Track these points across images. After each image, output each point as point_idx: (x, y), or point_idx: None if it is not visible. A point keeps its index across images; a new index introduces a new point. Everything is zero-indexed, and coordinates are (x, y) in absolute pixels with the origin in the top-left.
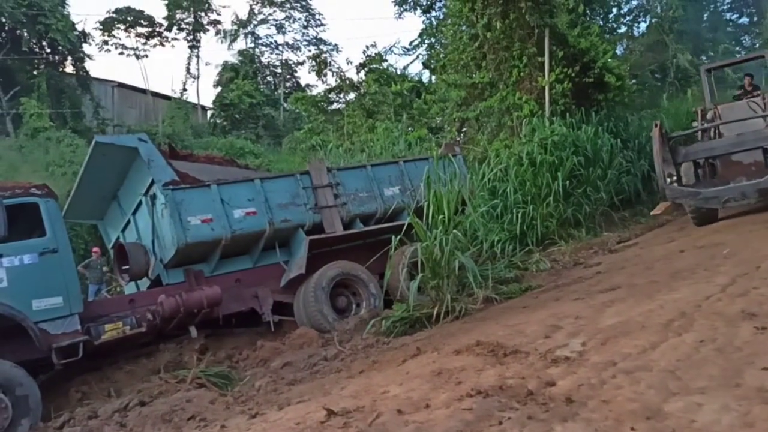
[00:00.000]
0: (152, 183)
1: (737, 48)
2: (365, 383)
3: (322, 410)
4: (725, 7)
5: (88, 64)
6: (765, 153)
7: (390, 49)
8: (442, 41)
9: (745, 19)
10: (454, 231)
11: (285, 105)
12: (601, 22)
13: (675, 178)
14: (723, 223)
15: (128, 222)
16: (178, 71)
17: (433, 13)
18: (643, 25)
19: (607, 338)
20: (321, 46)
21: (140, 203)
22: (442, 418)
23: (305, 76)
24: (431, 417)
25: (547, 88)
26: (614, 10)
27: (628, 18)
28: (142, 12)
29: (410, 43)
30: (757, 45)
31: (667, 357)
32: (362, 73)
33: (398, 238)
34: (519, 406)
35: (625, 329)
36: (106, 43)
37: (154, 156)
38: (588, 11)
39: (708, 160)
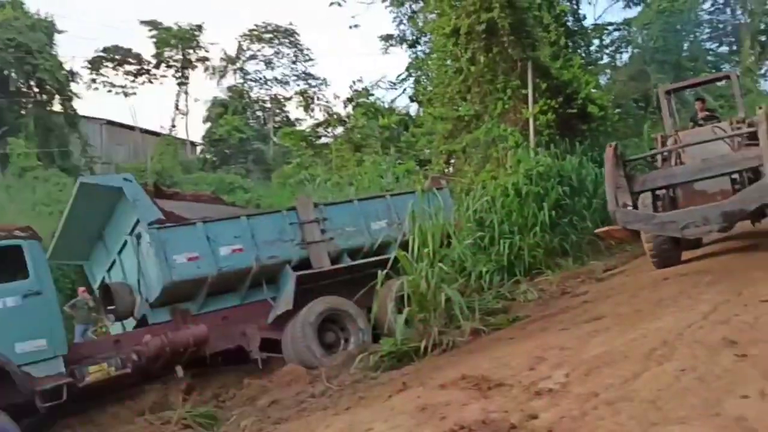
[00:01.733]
0: (137, 222)
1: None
2: (350, 420)
3: None
4: (705, 37)
5: (76, 103)
6: (733, 181)
7: (377, 83)
8: (428, 75)
9: (724, 48)
10: (440, 264)
11: (274, 139)
12: (583, 54)
13: (630, 208)
14: (705, 249)
15: (114, 262)
16: (166, 108)
17: (419, 48)
18: (625, 56)
19: (591, 369)
20: (309, 81)
21: (126, 243)
22: None
23: (294, 110)
24: None
25: (531, 120)
26: (596, 41)
27: (610, 48)
28: (130, 50)
29: (397, 77)
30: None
31: (648, 387)
32: (350, 108)
33: (385, 272)
34: None
35: (609, 359)
36: (94, 81)
37: (139, 195)
38: (570, 43)
39: (669, 190)
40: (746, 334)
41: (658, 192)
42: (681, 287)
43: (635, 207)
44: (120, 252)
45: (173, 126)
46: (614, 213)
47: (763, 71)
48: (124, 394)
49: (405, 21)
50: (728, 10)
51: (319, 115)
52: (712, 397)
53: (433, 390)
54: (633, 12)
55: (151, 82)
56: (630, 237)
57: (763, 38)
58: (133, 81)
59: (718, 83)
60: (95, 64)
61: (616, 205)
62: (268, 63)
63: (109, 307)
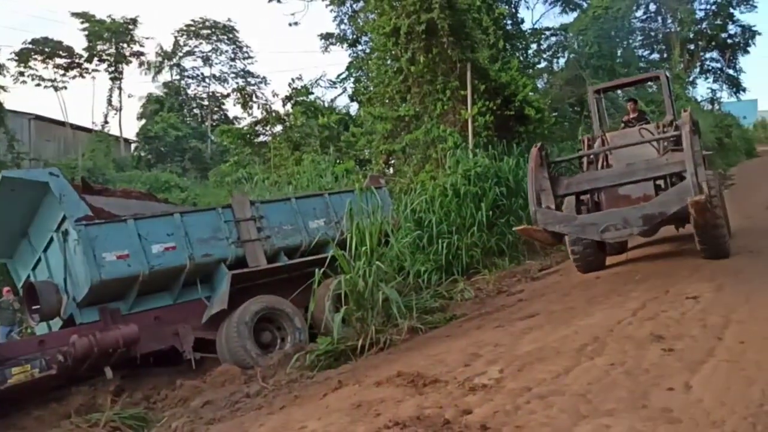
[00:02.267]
0: (64, 219)
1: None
2: (284, 419)
3: None
4: (637, 44)
5: (2, 96)
6: (657, 186)
7: (316, 81)
8: (369, 74)
9: (656, 55)
10: (377, 262)
11: (212, 137)
12: (521, 57)
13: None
14: (635, 252)
15: (39, 260)
16: (99, 103)
17: (359, 47)
18: (561, 60)
19: (524, 365)
20: (249, 79)
21: (52, 240)
22: None
23: (233, 108)
24: None
25: (470, 121)
26: (534, 45)
27: (547, 53)
28: (60, 43)
29: (337, 76)
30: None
31: (579, 381)
32: (289, 106)
33: (323, 270)
34: None
35: (541, 355)
36: (22, 74)
37: (66, 191)
38: (508, 46)
39: (593, 194)
40: (672, 329)
41: (583, 196)
42: (612, 285)
43: (559, 210)
44: (46, 249)
45: (106, 122)
46: (535, 213)
47: (691, 78)
48: (49, 396)
49: (346, 20)
50: (659, 19)
51: (258, 113)
52: (639, 389)
53: (368, 388)
54: (569, 18)
55: (83, 77)
56: (550, 239)
57: (691, 47)
58: (64, 75)
59: (650, 89)
60: (23, 57)
61: (538, 205)
62: (206, 60)
63: (34, 307)
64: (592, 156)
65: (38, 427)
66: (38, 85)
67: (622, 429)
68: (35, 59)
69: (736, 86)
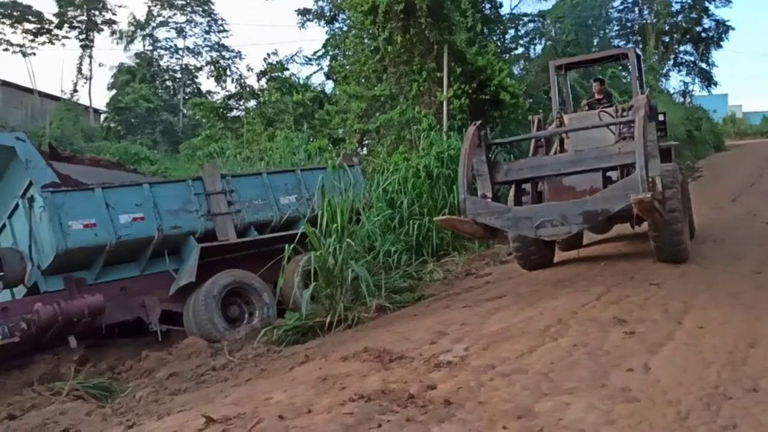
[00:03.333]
0: (30, 185)
1: (624, 73)
2: (250, 391)
3: (201, 418)
4: (614, 34)
5: None
6: (607, 179)
7: (292, 57)
8: (345, 53)
9: (631, 46)
10: (348, 240)
11: (184, 111)
12: (498, 42)
13: (489, 200)
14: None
15: (3, 226)
16: (68, 71)
17: (337, 25)
18: (538, 47)
19: (489, 344)
20: (223, 53)
21: (17, 206)
22: (322, 423)
23: (206, 82)
24: (312, 422)
25: (445, 103)
26: (511, 31)
27: (524, 39)
28: (29, 7)
29: (314, 53)
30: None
31: (542, 360)
32: (263, 81)
33: (292, 246)
34: (399, 409)
35: (507, 335)
36: None
37: (33, 156)
38: (486, 30)
39: (536, 184)
40: (635, 313)
41: (526, 185)
42: (578, 270)
43: (495, 200)
44: (10, 216)
45: (75, 91)
46: (464, 202)
47: (665, 70)
48: (11, 364)
49: None
50: (636, 10)
51: (232, 88)
52: (600, 370)
53: (334, 362)
54: (548, 5)
55: (53, 43)
56: (481, 232)
57: (666, 39)
58: (33, 41)
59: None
60: None
61: (469, 192)
62: (180, 31)
63: None
64: (542, 140)
65: (0, 393)
66: (6, 50)
67: (582, 406)
68: (3, 23)
69: (708, 80)
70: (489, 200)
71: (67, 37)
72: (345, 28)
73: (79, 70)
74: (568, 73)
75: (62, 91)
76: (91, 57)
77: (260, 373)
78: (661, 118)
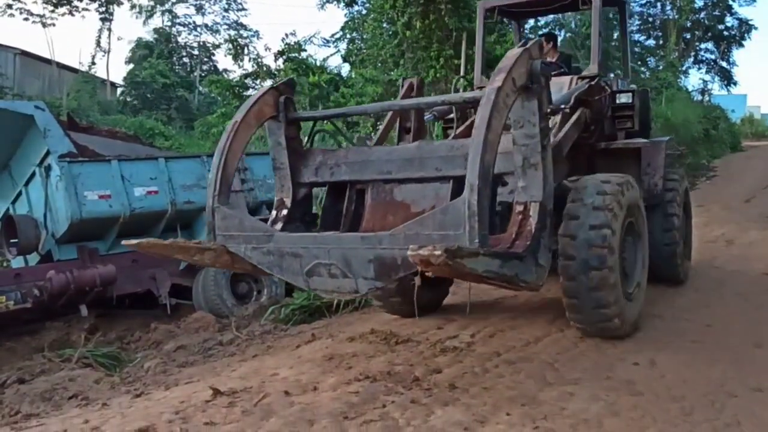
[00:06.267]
0: (48, 153)
1: (643, 68)
2: (256, 366)
3: (209, 390)
4: (634, 29)
5: None
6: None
7: (310, 39)
8: (363, 36)
9: (651, 41)
10: None
11: (200, 88)
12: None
13: (285, 212)
14: None
15: (20, 193)
16: (87, 43)
17: (356, 8)
18: (559, 39)
19: (495, 331)
20: (241, 31)
21: (34, 174)
22: (327, 400)
23: (223, 60)
24: (317, 399)
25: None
26: (531, 21)
27: (544, 30)
28: None
29: (331, 36)
30: (661, 67)
31: (548, 350)
32: (280, 61)
33: None
34: (404, 390)
35: (513, 324)
36: (9, 6)
37: (52, 125)
38: (506, 19)
39: (358, 190)
40: (645, 309)
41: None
42: None
43: (303, 212)
44: (27, 183)
45: (93, 63)
46: (211, 213)
47: (684, 67)
48: (22, 329)
49: None
50: (659, 5)
51: (249, 67)
52: (605, 362)
53: (341, 342)
54: None
55: (73, 15)
56: (235, 265)
57: (687, 36)
58: (53, 11)
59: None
60: None
61: (223, 198)
62: (199, 8)
63: (12, 240)
64: (434, 112)
65: (10, 358)
66: (26, 19)
67: (586, 397)
68: None
69: (727, 79)
70: (247, 216)
71: (87, 9)
72: (364, 12)
73: (98, 43)
74: (522, 26)
75: (80, 62)
76: (110, 30)
77: (267, 350)
78: (625, 99)
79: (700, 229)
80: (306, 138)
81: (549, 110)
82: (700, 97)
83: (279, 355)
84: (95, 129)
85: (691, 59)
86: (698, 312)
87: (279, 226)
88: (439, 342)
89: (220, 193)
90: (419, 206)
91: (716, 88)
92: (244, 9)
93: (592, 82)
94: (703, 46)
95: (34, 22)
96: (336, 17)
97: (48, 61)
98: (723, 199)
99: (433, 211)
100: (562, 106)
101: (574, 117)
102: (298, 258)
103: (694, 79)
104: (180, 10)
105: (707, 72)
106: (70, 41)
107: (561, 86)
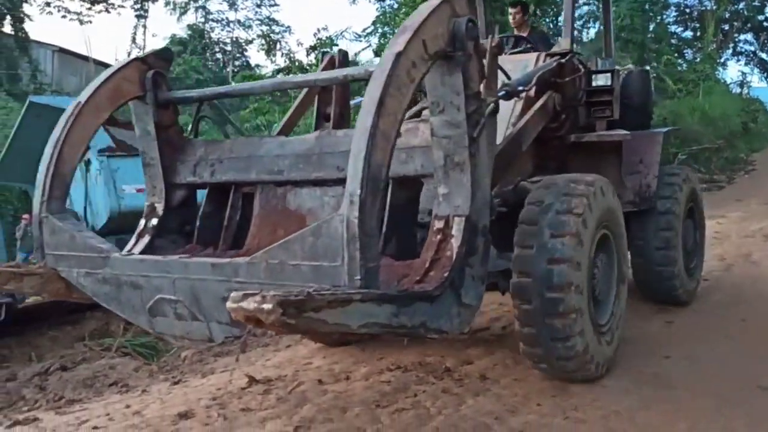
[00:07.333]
0: (87, 148)
1: (679, 60)
2: (290, 355)
3: (245, 378)
4: (671, 20)
5: (27, 26)
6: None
7: (341, 34)
8: (395, 31)
9: (689, 33)
10: None
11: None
12: (551, 24)
13: (155, 221)
14: None
15: None
16: (123, 40)
17: (387, 2)
18: (592, 31)
19: None
20: (273, 27)
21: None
22: (360, 389)
23: (255, 55)
24: (350, 387)
25: None
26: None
27: (578, 23)
28: None
29: (363, 30)
30: (699, 59)
31: None
32: (312, 56)
33: None
34: (435, 380)
35: None
36: (48, 4)
37: None
38: (539, 12)
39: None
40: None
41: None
42: None
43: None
44: None
45: None
46: (38, 225)
47: (723, 59)
48: (65, 319)
49: None
50: None
51: (281, 62)
52: (638, 355)
53: None
54: None
55: (109, 12)
56: (70, 294)
57: (726, 27)
58: (90, 9)
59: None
60: None
61: (57, 204)
62: (232, 4)
63: None
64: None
65: (52, 346)
66: (64, 17)
67: (617, 389)
68: None
69: (767, 71)
70: (80, 229)
71: (122, 7)
72: (396, 6)
73: (133, 40)
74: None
75: (116, 59)
76: (145, 27)
77: (300, 340)
78: (602, 81)
79: (738, 223)
80: (189, 127)
81: (493, 91)
82: (738, 90)
83: (312, 345)
84: (132, 124)
85: (730, 51)
86: (734, 307)
87: (146, 240)
88: (470, 334)
89: (51, 198)
90: (317, 217)
91: (755, 80)
92: (276, 5)
93: (563, 60)
94: (742, 37)
95: (71, 19)
96: (368, 11)
97: (85, 58)
98: (762, 194)
99: (302, 231)
100: (520, 88)
101: (540, 102)
102: (138, 290)
103: (732, 71)
104: (213, 6)
105: (746, 64)
106: (106, 38)
107: (526, 64)
